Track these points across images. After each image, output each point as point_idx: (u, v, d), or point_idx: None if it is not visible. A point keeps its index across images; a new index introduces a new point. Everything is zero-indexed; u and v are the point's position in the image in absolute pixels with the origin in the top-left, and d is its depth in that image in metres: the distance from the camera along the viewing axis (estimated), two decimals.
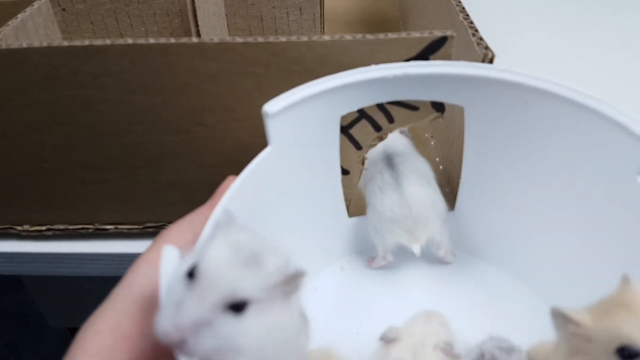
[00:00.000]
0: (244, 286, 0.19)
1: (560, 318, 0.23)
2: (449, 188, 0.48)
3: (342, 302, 0.38)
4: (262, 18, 0.56)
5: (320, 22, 0.55)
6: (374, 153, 0.40)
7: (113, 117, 0.36)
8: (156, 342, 0.23)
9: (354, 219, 0.41)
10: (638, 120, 0.28)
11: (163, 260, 0.22)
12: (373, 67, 0.33)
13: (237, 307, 0.19)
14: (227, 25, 0.57)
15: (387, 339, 0.30)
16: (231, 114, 0.36)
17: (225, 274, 0.19)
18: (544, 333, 0.34)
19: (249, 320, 0.19)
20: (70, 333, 0.88)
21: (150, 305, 0.24)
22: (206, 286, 0.19)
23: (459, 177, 0.39)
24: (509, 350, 0.31)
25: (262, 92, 0.34)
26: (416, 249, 0.37)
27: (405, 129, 0.42)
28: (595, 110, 0.29)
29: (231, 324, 0.19)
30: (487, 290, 0.38)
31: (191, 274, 0.19)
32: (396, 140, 0.41)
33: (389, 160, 0.39)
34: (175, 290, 0.19)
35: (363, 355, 0.33)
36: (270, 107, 0.30)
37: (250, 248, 0.20)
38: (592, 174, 0.31)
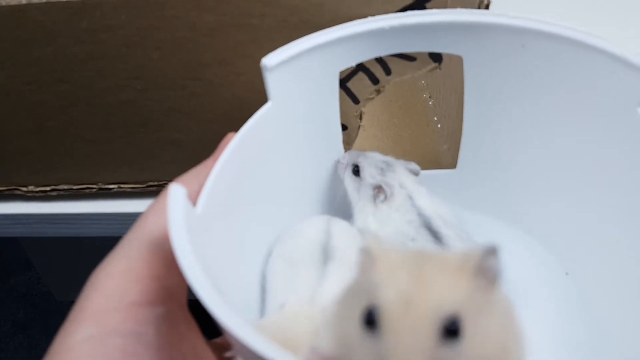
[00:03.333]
0: None
1: None
2: (447, 145, 0.49)
3: None
4: None
5: None
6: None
7: (111, 73, 0.36)
8: (166, 284, 0.24)
9: None
10: (636, 53, 0.28)
11: (170, 197, 0.23)
12: (370, 18, 0.32)
13: None
14: None
15: None
16: (228, 68, 0.36)
17: None
18: (550, 284, 0.35)
19: None
20: None
21: (160, 249, 0.25)
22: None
23: (457, 133, 0.39)
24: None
25: (258, 45, 0.35)
26: None
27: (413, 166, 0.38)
28: (593, 46, 0.29)
29: None
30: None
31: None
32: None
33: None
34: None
35: None
36: (269, 60, 0.30)
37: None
38: (593, 112, 0.31)
